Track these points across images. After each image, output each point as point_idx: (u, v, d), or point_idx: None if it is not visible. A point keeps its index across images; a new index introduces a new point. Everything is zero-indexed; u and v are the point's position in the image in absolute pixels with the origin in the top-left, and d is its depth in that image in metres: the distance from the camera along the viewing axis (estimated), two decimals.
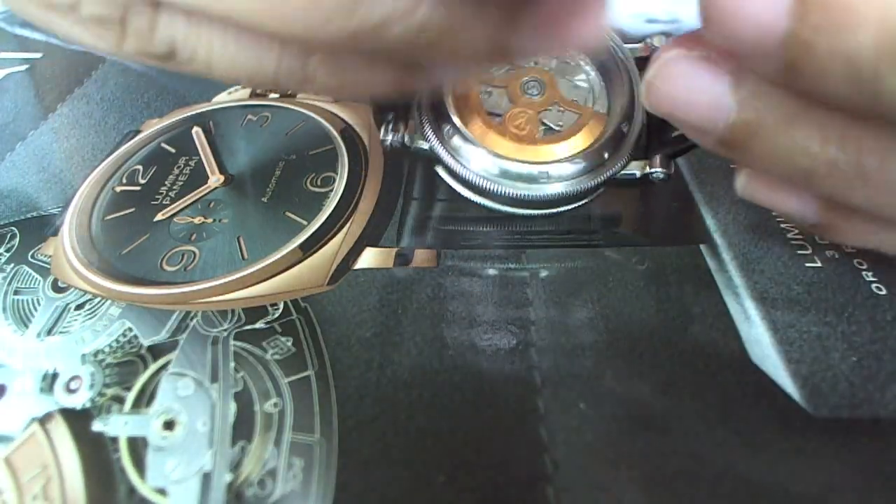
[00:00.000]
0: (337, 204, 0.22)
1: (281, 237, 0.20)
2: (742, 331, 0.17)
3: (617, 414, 0.15)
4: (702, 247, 0.20)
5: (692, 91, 0.14)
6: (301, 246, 0.20)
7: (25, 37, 0.34)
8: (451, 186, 0.21)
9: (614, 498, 0.14)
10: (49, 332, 0.18)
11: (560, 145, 0.20)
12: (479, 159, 0.20)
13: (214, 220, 0.21)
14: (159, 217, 0.21)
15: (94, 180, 0.23)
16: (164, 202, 0.22)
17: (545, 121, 0.21)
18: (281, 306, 0.18)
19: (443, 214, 0.22)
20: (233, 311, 0.18)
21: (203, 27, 0.13)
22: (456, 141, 0.20)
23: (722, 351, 0.17)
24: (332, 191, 0.22)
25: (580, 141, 0.20)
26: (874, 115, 0.12)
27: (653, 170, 0.20)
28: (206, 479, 0.14)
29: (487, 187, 0.19)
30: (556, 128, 0.21)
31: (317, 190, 0.22)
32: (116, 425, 0.15)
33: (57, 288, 0.19)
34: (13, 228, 0.21)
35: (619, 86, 0.21)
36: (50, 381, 0.16)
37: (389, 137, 0.20)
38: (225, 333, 0.17)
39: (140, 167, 0.24)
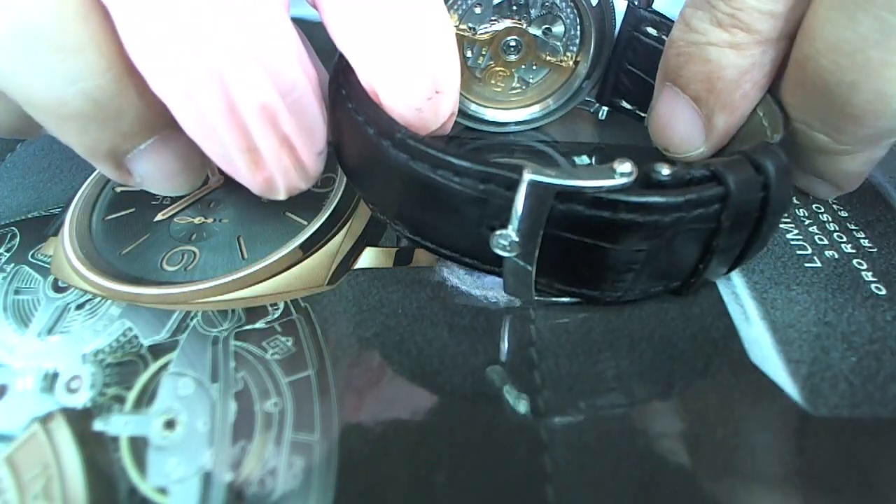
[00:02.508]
0: (337, 204, 0.22)
1: (281, 237, 0.20)
2: (741, 331, 0.17)
3: (617, 414, 0.15)
4: None
5: None
6: (301, 246, 0.20)
7: None
8: None
9: (614, 498, 0.14)
10: (49, 332, 0.18)
11: (526, 97, 0.25)
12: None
13: (214, 220, 0.21)
14: (159, 217, 0.21)
15: (95, 180, 0.23)
16: (164, 202, 0.22)
17: (520, 76, 0.24)
18: (281, 306, 0.18)
19: None
20: (233, 311, 0.18)
21: None
22: None
23: (721, 351, 0.17)
24: (332, 191, 0.22)
25: (540, 91, 0.25)
26: None
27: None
28: (207, 478, 0.14)
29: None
30: (530, 81, 0.25)
31: (317, 190, 0.22)
32: (117, 425, 0.15)
33: (57, 288, 0.19)
34: (13, 228, 0.21)
35: (590, 37, 0.23)
36: (50, 380, 0.16)
37: None
38: (225, 333, 0.17)
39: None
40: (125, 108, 0.16)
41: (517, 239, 0.15)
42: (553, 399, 0.16)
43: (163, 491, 0.14)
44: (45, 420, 0.15)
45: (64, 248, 0.20)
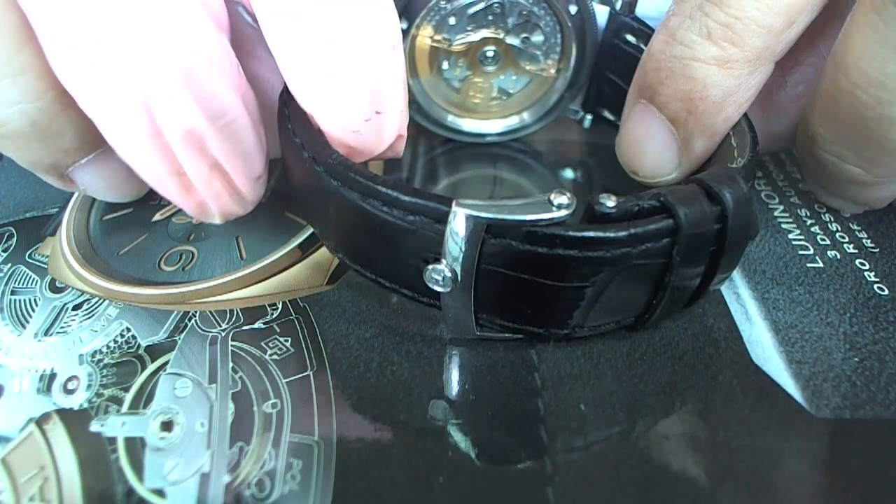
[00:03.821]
0: None
1: (280, 237, 0.20)
2: (743, 331, 0.17)
3: (617, 415, 0.15)
4: None
5: None
6: (300, 245, 0.20)
7: None
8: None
9: (614, 499, 0.14)
10: (47, 333, 0.18)
11: (506, 107, 0.24)
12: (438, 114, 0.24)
13: None
14: (157, 217, 0.21)
15: None
16: (162, 202, 0.22)
17: (501, 87, 0.24)
18: (280, 306, 0.18)
19: None
20: (231, 311, 0.18)
21: None
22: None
23: (723, 352, 0.17)
24: None
25: (522, 101, 0.24)
26: None
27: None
28: (205, 479, 0.14)
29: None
30: (511, 91, 0.24)
31: None
32: (114, 426, 0.15)
33: (54, 288, 0.19)
34: (10, 228, 0.21)
35: (571, 45, 0.22)
36: (48, 381, 0.16)
37: None
38: (223, 333, 0.17)
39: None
40: (65, 127, 0.16)
41: (450, 274, 0.14)
42: (553, 400, 0.15)
43: (160, 493, 0.14)
44: (41, 421, 0.15)
45: (61, 248, 0.20)
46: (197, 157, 0.16)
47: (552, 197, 0.13)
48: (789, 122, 0.20)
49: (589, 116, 0.24)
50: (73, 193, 0.22)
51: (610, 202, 0.14)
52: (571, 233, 0.13)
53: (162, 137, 0.15)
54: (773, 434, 0.15)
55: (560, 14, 0.21)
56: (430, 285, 0.14)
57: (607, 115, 0.23)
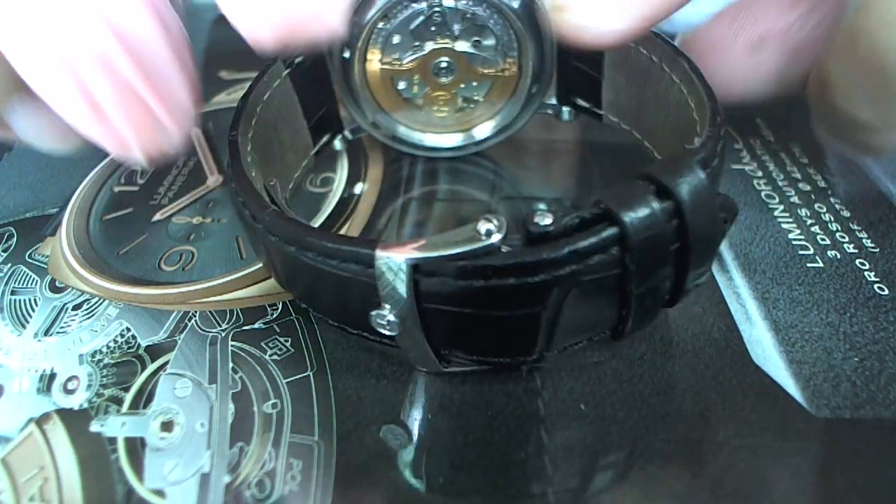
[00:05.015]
0: (336, 204, 0.22)
1: None
2: (743, 331, 0.17)
3: (617, 415, 0.15)
4: None
5: None
6: None
7: None
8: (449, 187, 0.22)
9: (614, 500, 0.14)
10: (47, 333, 0.18)
11: (476, 115, 0.23)
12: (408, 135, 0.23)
13: (213, 220, 0.21)
14: (157, 217, 0.21)
15: (93, 180, 0.23)
16: (162, 202, 0.22)
17: (464, 96, 0.22)
18: (280, 306, 0.18)
19: (444, 215, 0.22)
20: (231, 311, 0.18)
21: None
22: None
23: (723, 352, 0.17)
24: (331, 191, 0.22)
25: (491, 105, 0.23)
26: None
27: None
28: (205, 480, 0.14)
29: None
30: (476, 98, 0.22)
31: (316, 190, 0.22)
32: (114, 426, 0.15)
33: (54, 288, 0.19)
34: (10, 228, 0.21)
35: (526, 40, 0.21)
36: (47, 381, 0.16)
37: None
38: (223, 333, 0.17)
39: (138, 167, 0.23)
40: None
41: (394, 319, 0.13)
42: (553, 400, 0.15)
43: (160, 493, 0.14)
44: (41, 421, 0.15)
45: (61, 248, 0.20)
46: (105, 77, 0.14)
47: (479, 225, 0.12)
48: (808, 66, 0.20)
49: (566, 108, 0.23)
50: (72, 193, 0.22)
51: (545, 220, 0.12)
52: (501, 262, 0.12)
53: (68, 58, 0.14)
54: (773, 434, 0.15)
55: (504, 11, 0.20)
56: (379, 329, 0.14)
57: (581, 102, 0.22)
